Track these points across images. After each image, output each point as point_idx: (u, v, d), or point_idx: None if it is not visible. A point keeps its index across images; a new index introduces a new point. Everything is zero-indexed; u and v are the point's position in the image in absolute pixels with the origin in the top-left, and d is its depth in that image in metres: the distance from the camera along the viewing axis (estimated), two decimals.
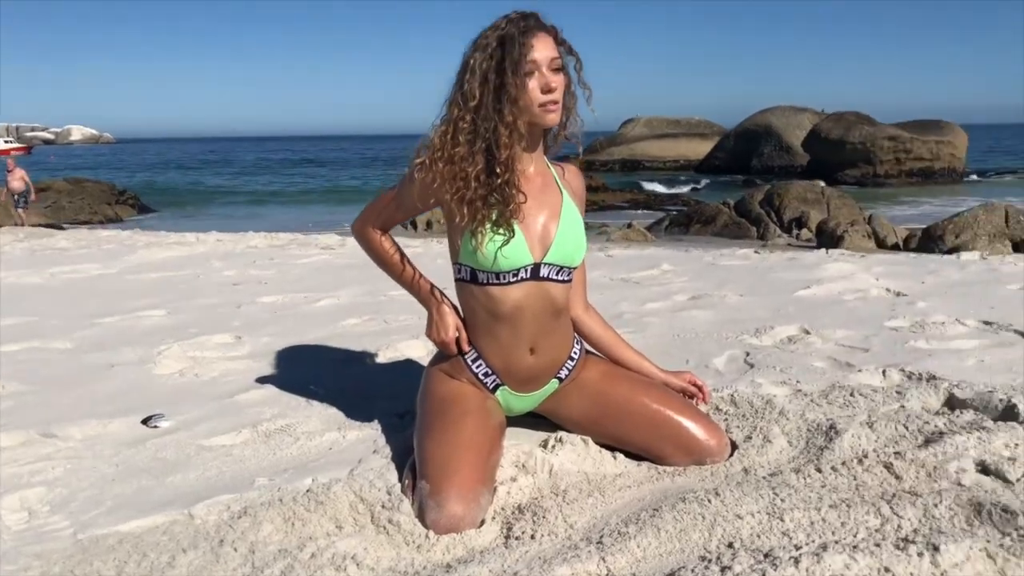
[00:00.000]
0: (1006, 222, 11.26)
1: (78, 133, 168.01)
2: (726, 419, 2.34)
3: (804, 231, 14.40)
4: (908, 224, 13.60)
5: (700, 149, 43.51)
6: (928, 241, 10.97)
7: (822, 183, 18.61)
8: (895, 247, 11.35)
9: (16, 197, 17.62)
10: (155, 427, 2.48)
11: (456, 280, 2.08)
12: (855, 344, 3.12)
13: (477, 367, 2.10)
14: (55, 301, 4.69)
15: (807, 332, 3.30)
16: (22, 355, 3.40)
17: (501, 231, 1.91)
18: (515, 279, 1.97)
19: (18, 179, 17.62)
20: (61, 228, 16.94)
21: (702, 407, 2.29)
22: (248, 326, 3.84)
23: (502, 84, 1.84)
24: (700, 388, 2.27)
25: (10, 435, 2.38)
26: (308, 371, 3.01)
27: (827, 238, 11.69)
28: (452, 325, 2.09)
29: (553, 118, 1.91)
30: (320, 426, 2.41)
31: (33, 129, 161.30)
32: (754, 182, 26.52)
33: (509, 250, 1.92)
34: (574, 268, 2.08)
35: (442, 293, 2.15)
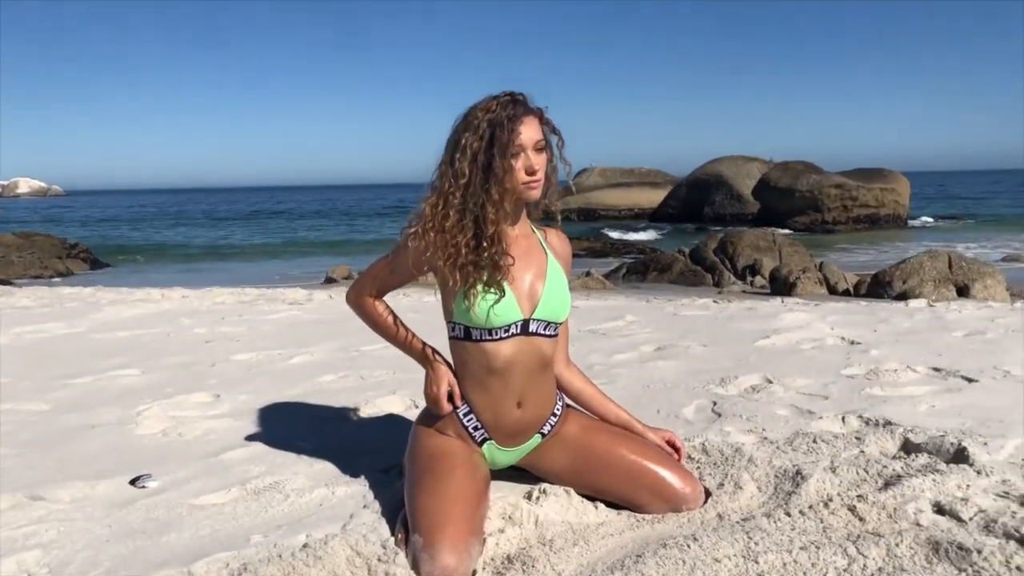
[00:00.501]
0: (949, 268, 11.73)
1: (25, 186, 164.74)
2: (699, 467, 2.47)
3: (758, 278, 14.77)
4: (858, 270, 14.06)
5: (653, 198, 44.34)
6: (877, 287, 11.36)
7: (774, 230, 19.12)
8: (846, 293, 11.72)
9: None
10: (143, 487, 2.51)
11: (450, 338, 2.21)
12: (815, 392, 3.28)
13: (467, 420, 2.21)
14: (24, 362, 4.67)
15: (769, 381, 3.46)
16: None
17: (492, 291, 2.07)
18: (506, 335, 2.12)
19: None
20: (11, 284, 16.23)
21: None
22: (225, 384, 3.88)
23: (490, 166, 2.01)
24: (677, 449, 2.38)
25: None
26: (290, 428, 3.07)
27: (780, 285, 12.02)
28: (445, 381, 2.19)
29: (535, 194, 2.10)
30: (308, 483, 2.48)
31: None
32: (707, 229, 27.14)
33: (500, 308, 2.07)
34: (560, 323, 2.22)
35: (435, 351, 2.27)
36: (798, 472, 2.33)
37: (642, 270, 16.47)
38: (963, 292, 11.03)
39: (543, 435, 2.29)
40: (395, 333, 2.30)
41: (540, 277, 2.17)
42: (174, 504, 2.34)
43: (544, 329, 2.17)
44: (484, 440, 2.23)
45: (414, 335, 2.30)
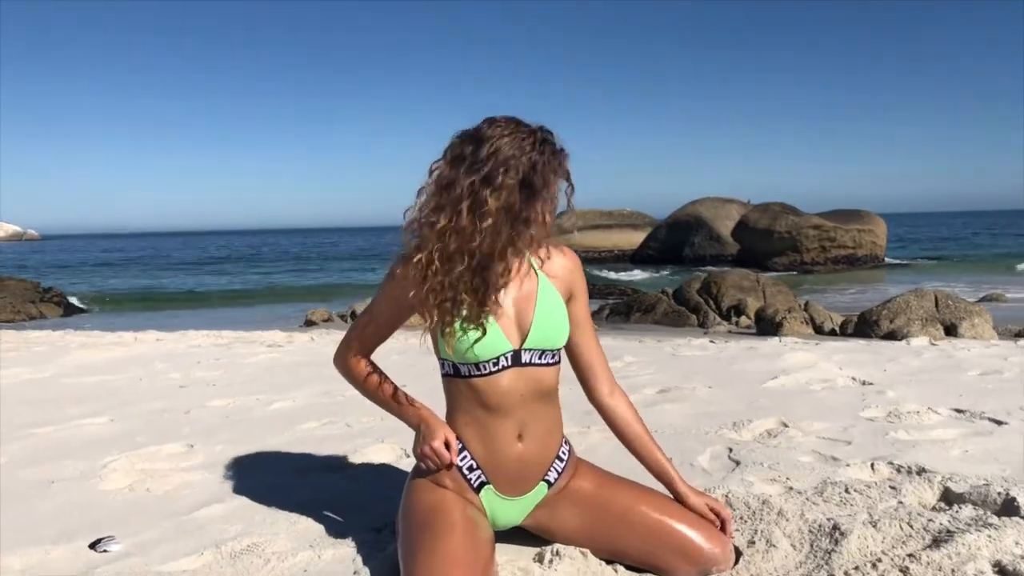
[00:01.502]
0: (936, 306, 11.65)
1: (1, 230, 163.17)
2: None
3: (743, 318, 14.66)
4: (841, 310, 13.93)
5: (633, 239, 44.51)
6: (864, 326, 11.24)
7: (757, 272, 19.08)
8: (832, 332, 11.60)
9: None
10: (104, 551, 2.25)
11: (442, 375, 2.03)
12: (836, 436, 3.08)
13: (462, 460, 1.99)
14: None
15: (785, 425, 3.25)
16: None
17: (473, 327, 1.89)
18: (496, 368, 1.94)
19: None
20: None
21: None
22: (200, 433, 3.60)
23: (522, 211, 1.86)
24: (724, 521, 2.06)
25: None
26: (271, 482, 2.81)
27: (767, 324, 11.89)
28: (441, 433, 1.98)
29: (545, 235, 1.98)
30: (290, 544, 2.23)
31: None
32: (687, 271, 27.15)
33: (485, 341, 1.90)
34: (558, 350, 2.03)
35: (423, 405, 2.07)
36: (835, 527, 2.12)
37: (625, 311, 16.32)
38: (951, 331, 10.92)
39: (549, 484, 2.05)
40: (379, 391, 2.12)
41: (529, 303, 1.98)
42: (138, 571, 2.09)
43: (539, 358, 1.98)
44: (481, 485, 2.00)
45: (398, 388, 2.11)
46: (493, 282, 1.88)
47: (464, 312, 1.88)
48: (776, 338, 7.24)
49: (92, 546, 2.28)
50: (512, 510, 2.05)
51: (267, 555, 2.15)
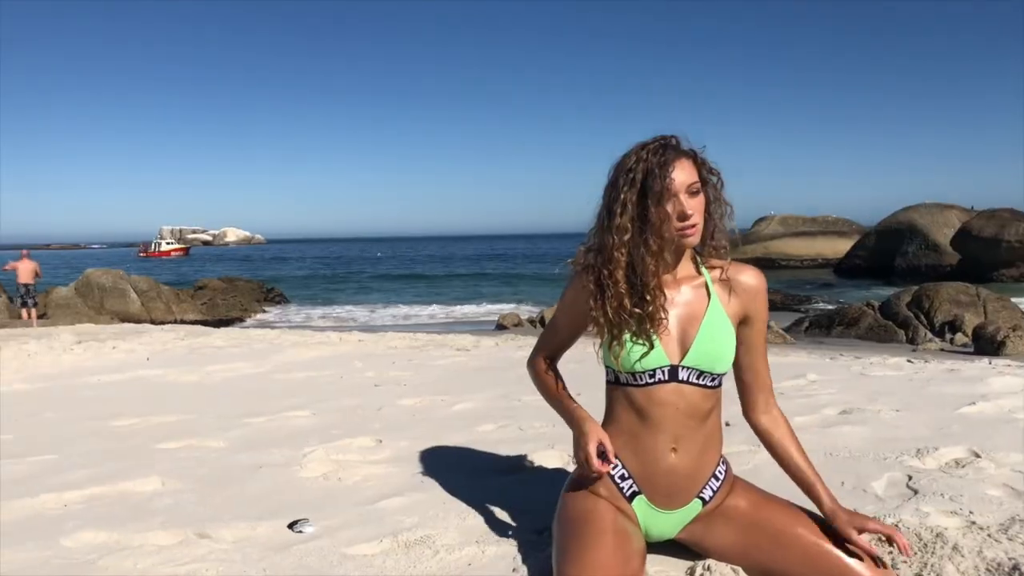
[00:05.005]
0: None
1: (233, 235, 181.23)
2: (891, 553, 2.16)
3: (959, 335, 13.52)
4: None
5: (839, 247, 42.14)
6: None
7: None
8: None
9: (23, 293, 16.71)
10: (300, 532, 2.52)
11: (606, 381, 2.11)
12: None
13: (613, 468, 2.05)
14: (209, 399, 4.96)
15: (977, 455, 3.03)
16: (181, 453, 3.59)
17: (640, 341, 1.97)
18: (652, 380, 1.99)
19: (29, 272, 16.59)
20: (212, 325, 17.12)
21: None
22: (388, 429, 3.91)
23: (646, 216, 1.91)
24: (892, 539, 1.95)
25: (169, 533, 2.50)
26: (447, 479, 3.01)
27: (986, 343, 10.91)
28: (595, 439, 2.02)
29: (691, 240, 1.96)
30: (459, 538, 2.39)
31: (194, 231, 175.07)
32: (896, 283, 25.34)
33: (648, 356, 1.97)
34: (719, 375, 2.04)
35: (586, 413, 2.12)
36: (1016, 567, 1.99)
37: (827, 324, 15.54)
38: None
39: (704, 501, 2.07)
40: (554, 395, 2.24)
41: (695, 322, 2.01)
42: (326, 552, 2.33)
43: (697, 378, 2.00)
44: (634, 494, 2.05)
45: (570, 398, 2.20)
46: (651, 297, 1.94)
47: (633, 325, 1.96)
48: (985, 360, 6.64)
49: (290, 526, 2.57)
50: (665, 522, 2.08)
51: (436, 547, 2.32)
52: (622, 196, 1.93)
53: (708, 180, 1.99)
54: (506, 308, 23.39)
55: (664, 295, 1.98)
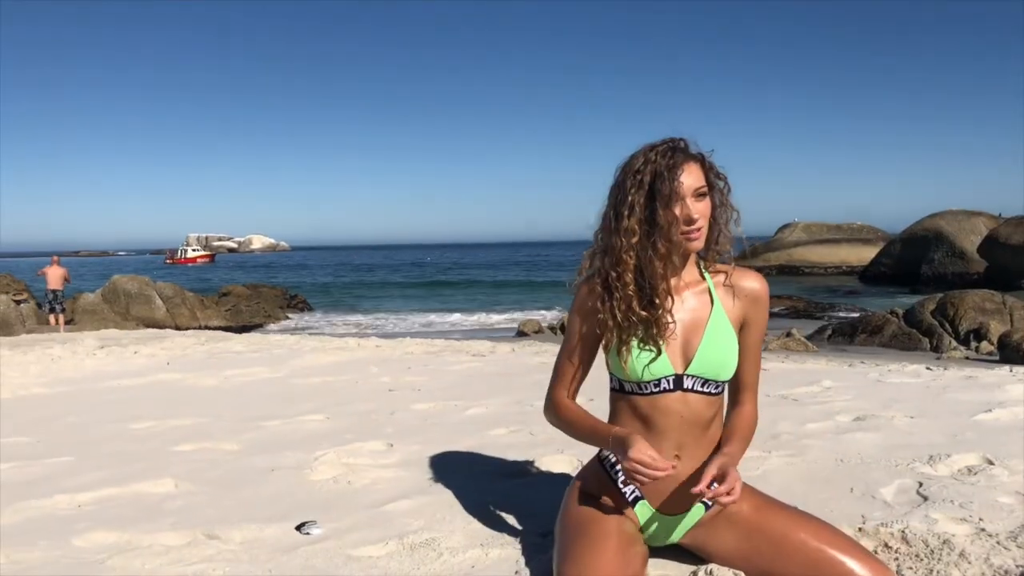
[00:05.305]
0: None
1: (258, 242, 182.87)
2: (897, 559, 2.15)
3: (984, 344, 13.35)
4: None
5: (863, 255, 41.73)
6: None
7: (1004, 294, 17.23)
8: None
9: (51, 299, 16.78)
10: (307, 534, 2.55)
11: (610, 388, 2.11)
12: None
13: (616, 473, 2.06)
14: (227, 403, 5.01)
15: (990, 462, 3.00)
16: (195, 455, 3.63)
17: (648, 348, 1.97)
18: (657, 389, 2.00)
19: (59, 278, 16.65)
20: (235, 331, 17.15)
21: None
22: (400, 433, 3.93)
23: (654, 219, 1.91)
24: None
25: (179, 534, 2.54)
26: (455, 482, 3.02)
27: (1011, 352, 10.77)
28: (646, 445, 1.91)
29: (696, 244, 1.97)
30: (464, 541, 2.40)
31: (220, 239, 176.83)
32: (922, 291, 25.06)
33: (654, 365, 1.97)
34: (723, 382, 2.04)
35: (620, 429, 2.02)
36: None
37: (850, 332, 15.40)
38: None
39: (706, 506, 2.06)
40: (584, 423, 2.10)
41: (698, 330, 2.01)
42: (332, 554, 2.35)
43: (702, 386, 2.01)
44: (636, 499, 2.05)
45: (602, 422, 2.09)
46: (659, 300, 1.95)
47: (640, 332, 1.96)
48: (1006, 368, 6.55)
49: (298, 528, 2.60)
50: (668, 527, 2.08)
51: (441, 549, 2.34)
52: (630, 198, 1.93)
53: (715, 184, 1.99)
54: (534, 315, 23.39)
55: (672, 299, 1.98)
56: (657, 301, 1.95)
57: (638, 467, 1.85)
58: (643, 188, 1.92)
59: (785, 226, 46.37)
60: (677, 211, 1.91)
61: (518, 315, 25.60)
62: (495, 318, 27.33)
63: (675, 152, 1.93)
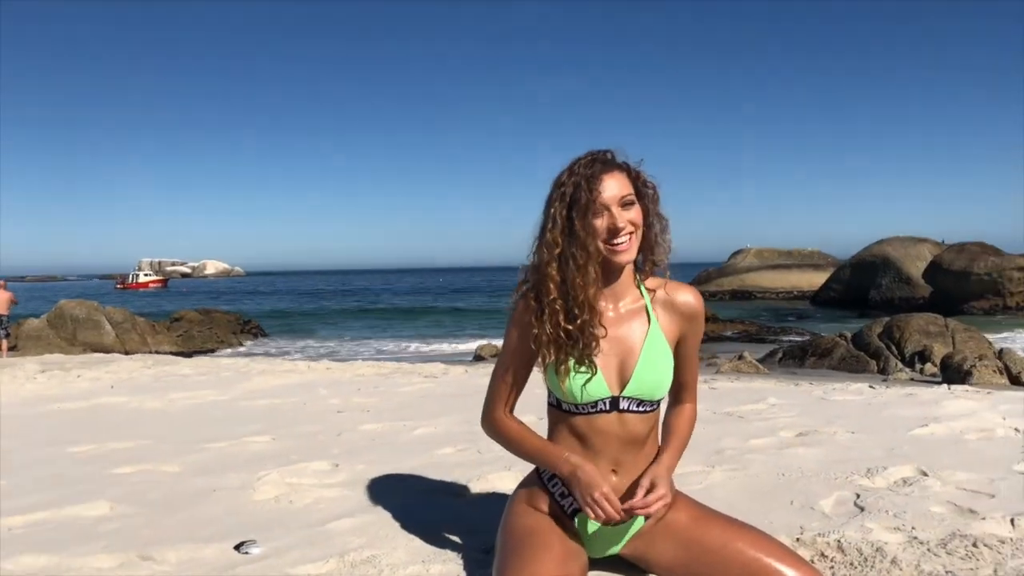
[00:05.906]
0: None
1: (212, 267, 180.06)
2: (832, 567, 2.19)
3: (928, 365, 13.68)
4: None
5: (814, 280, 42.59)
6: None
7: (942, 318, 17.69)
8: None
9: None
10: (246, 553, 2.50)
11: (547, 404, 2.12)
12: (979, 488, 2.87)
13: (554, 486, 2.06)
14: (171, 425, 4.91)
15: (924, 474, 3.07)
16: (135, 477, 3.54)
17: (583, 368, 1.97)
18: (594, 410, 2.01)
19: (5, 302, 16.13)
20: (185, 356, 16.81)
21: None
22: (346, 453, 3.89)
23: (572, 230, 1.92)
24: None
25: (112, 556, 2.47)
26: (399, 501, 3.00)
27: (953, 373, 11.05)
28: (602, 479, 1.95)
29: (624, 256, 1.96)
30: (405, 558, 2.38)
31: (173, 264, 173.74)
32: (870, 315, 25.62)
33: (589, 386, 1.98)
34: (656, 401, 2.06)
35: (571, 453, 2.03)
36: None
37: (800, 355, 15.65)
38: None
39: (645, 516, 2.07)
40: (524, 440, 2.11)
41: (634, 351, 2.02)
42: (271, 572, 2.31)
43: (637, 407, 2.03)
44: (575, 511, 2.06)
45: (544, 440, 2.11)
46: (581, 312, 1.94)
47: (574, 351, 1.96)
48: (944, 386, 6.72)
49: (237, 547, 2.55)
50: (607, 538, 2.09)
51: (381, 566, 2.31)
52: (552, 211, 1.95)
53: (644, 193, 2.00)
54: (496, 342, 23.28)
55: (595, 310, 1.97)
56: (577, 311, 1.94)
57: (596, 508, 1.92)
58: (564, 200, 1.93)
59: (737, 252, 47.17)
60: (598, 222, 1.92)
61: (480, 342, 25.48)
62: (457, 347, 27.07)
63: (595, 163, 1.95)
